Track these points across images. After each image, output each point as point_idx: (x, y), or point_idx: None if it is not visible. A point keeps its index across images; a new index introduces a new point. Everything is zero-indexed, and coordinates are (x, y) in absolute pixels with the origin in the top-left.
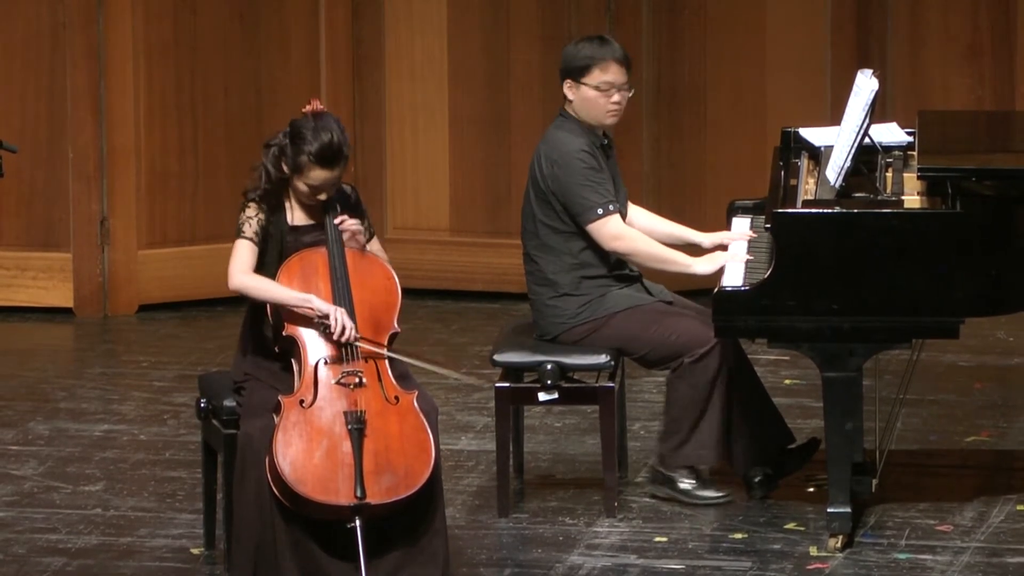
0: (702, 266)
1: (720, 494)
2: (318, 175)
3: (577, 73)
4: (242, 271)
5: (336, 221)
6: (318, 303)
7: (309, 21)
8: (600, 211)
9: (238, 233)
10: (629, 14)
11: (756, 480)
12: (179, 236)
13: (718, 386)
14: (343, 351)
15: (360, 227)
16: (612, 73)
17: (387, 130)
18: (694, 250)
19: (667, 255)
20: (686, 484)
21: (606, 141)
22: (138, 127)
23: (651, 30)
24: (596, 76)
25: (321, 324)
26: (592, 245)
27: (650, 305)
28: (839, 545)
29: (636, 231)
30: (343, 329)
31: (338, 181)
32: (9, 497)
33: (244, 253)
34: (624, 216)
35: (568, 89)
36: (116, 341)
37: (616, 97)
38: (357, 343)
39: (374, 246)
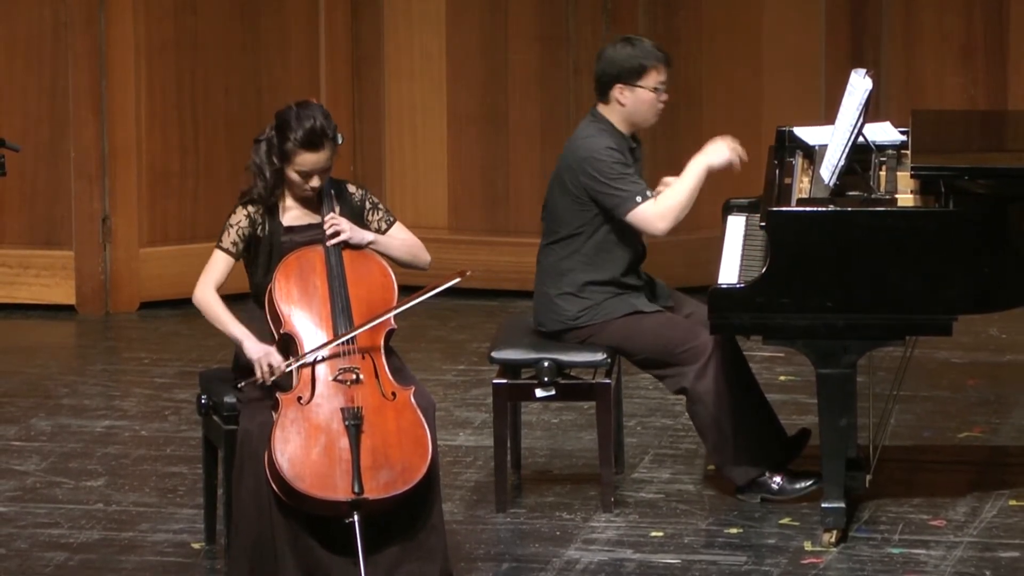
0: (708, 157)
1: (811, 481)
2: (305, 159)
3: (634, 76)
4: (209, 285)
5: (327, 220)
6: (248, 345)
7: (309, 21)
8: (639, 199)
9: (217, 241)
10: (626, 14)
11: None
12: (180, 234)
13: (733, 390)
14: (341, 348)
15: (346, 235)
16: (664, 74)
17: (386, 129)
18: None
19: (691, 183)
20: (775, 484)
21: (634, 144)
22: (139, 126)
23: (648, 30)
24: (653, 78)
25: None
26: (607, 251)
27: (648, 314)
28: (833, 540)
29: (660, 200)
30: (265, 375)
31: (327, 166)
32: (12, 492)
33: (216, 266)
34: None
35: (619, 92)
36: (118, 338)
37: (664, 96)
38: (356, 333)
39: (400, 234)
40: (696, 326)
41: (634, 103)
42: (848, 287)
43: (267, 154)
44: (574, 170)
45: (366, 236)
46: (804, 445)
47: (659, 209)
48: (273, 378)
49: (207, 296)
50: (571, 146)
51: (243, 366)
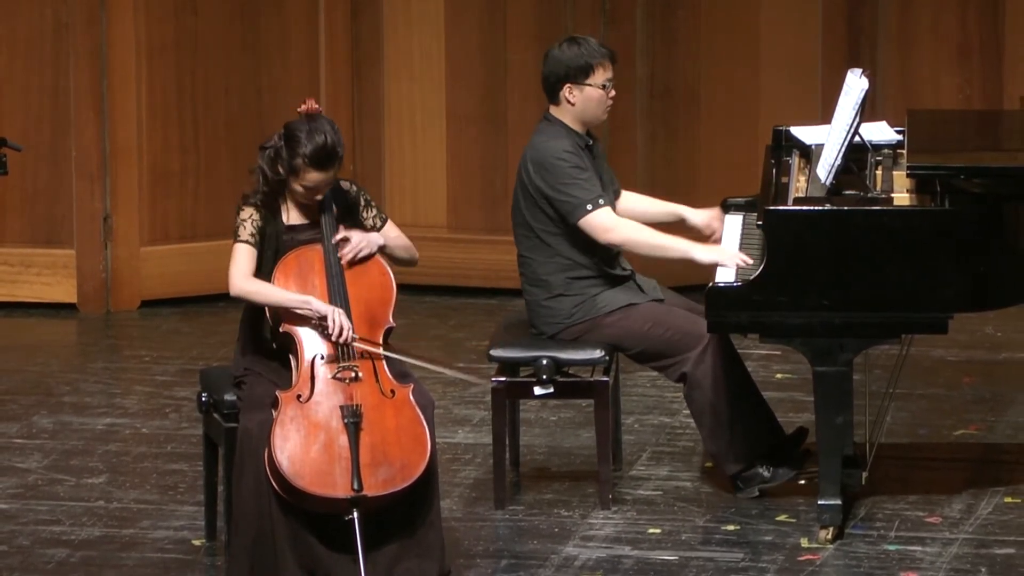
0: (702, 253)
1: (797, 469)
2: (313, 177)
3: (581, 75)
4: (243, 276)
5: (334, 240)
6: (317, 304)
7: (309, 21)
8: (589, 206)
9: (235, 237)
10: (624, 13)
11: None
12: (180, 233)
13: (730, 378)
14: (339, 348)
15: (359, 248)
16: (610, 71)
17: (385, 129)
18: (686, 231)
19: (664, 242)
20: (766, 472)
21: (591, 141)
22: (140, 125)
23: (646, 29)
24: (600, 75)
25: (320, 325)
26: (582, 245)
27: (643, 304)
28: (830, 537)
29: (628, 220)
30: (340, 330)
31: (333, 181)
32: (14, 489)
33: (243, 257)
34: (614, 211)
35: (567, 92)
36: (119, 336)
37: (612, 93)
38: (354, 343)
39: (391, 232)
40: (692, 315)
41: (583, 102)
42: (844, 285)
43: (272, 163)
44: (531, 175)
45: (379, 241)
46: (801, 444)
47: (616, 224)
48: (343, 338)
49: (246, 283)
50: (528, 151)
51: (251, 354)
